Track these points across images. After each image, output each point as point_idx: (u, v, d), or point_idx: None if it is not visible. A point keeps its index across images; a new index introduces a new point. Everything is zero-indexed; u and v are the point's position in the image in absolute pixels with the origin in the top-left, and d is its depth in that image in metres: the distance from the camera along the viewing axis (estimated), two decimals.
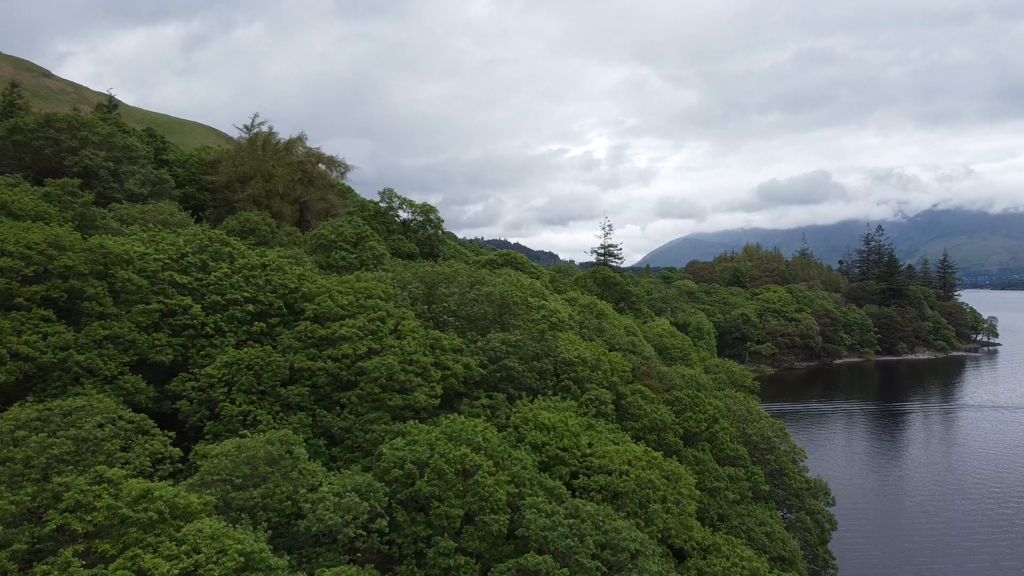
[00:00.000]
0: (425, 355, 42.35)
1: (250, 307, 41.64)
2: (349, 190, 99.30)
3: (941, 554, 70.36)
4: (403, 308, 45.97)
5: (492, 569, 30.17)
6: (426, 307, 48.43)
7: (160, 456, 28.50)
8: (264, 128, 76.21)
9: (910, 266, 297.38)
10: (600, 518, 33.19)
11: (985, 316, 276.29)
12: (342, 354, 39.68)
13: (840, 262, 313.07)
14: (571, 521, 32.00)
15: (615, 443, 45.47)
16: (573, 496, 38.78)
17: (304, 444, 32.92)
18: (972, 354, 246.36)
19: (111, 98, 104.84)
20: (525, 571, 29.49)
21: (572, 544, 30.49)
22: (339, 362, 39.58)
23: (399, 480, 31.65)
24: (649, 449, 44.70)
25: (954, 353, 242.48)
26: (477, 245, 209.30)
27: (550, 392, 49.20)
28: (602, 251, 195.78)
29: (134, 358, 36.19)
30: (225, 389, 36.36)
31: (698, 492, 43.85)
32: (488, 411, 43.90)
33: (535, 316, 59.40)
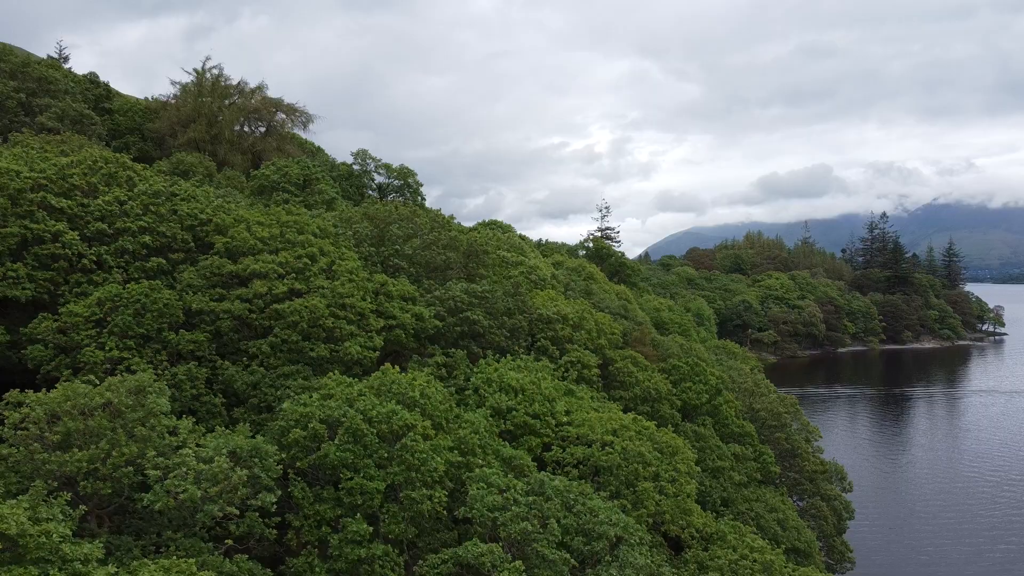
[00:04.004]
0: (364, 300, 34.40)
1: (146, 238, 33.61)
2: (319, 150, 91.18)
3: (956, 543, 63.06)
4: (344, 248, 38.01)
5: (420, 563, 22.30)
6: (374, 249, 40.43)
7: None
8: (215, 71, 67.98)
9: (914, 255, 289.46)
10: (572, 496, 25.33)
11: (991, 306, 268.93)
12: (254, 293, 31.71)
13: (843, 251, 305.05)
14: (531, 499, 24.11)
15: (599, 411, 37.61)
16: (542, 472, 30.92)
17: (175, 394, 25.01)
18: (978, 343, 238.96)
19: (60, 50, 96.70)
20: (464, 565, 21.62)
21: (530, 528, 22.60)
22: (250, 303, 31.61)
23: (300, 443, 23.75)
24: (640, 418, 36.85)
25: (960, 342, 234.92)
26: None
27: (522, 353, 41.29)
28: (599, 234, 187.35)
29: None
30: (94, 331, 28.40)
31: (698, 469, 36.06)
32: (444, 370, 35.98)
33: (512, 273, 51.47)
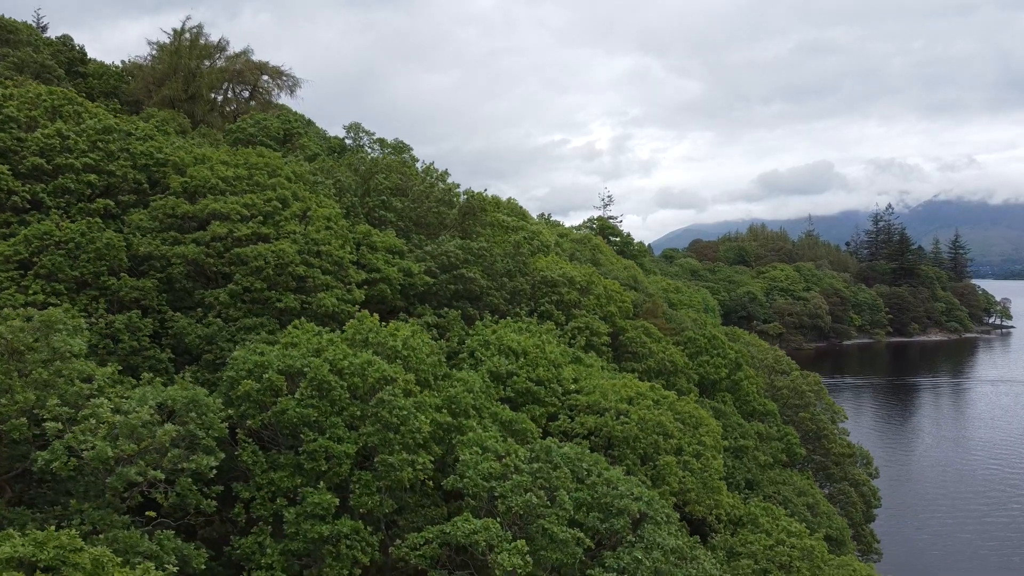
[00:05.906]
0: (343, 249, 30.01)
1: (91, 177, 29.21)
2: (309, 123, 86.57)
3: (980, 534, 59.11)
4: (322, 196, 33.59)
5: (398, 543, 17.90)
6: (357, 199, 36.01)
7: None
8: (194, 30, 63.41)
9: (920, 247, 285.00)
10: (584, 465, 20.97)
11: (998, 298, 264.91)
12: (212, 236, 27.31)
13: (847, 243, 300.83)
14: (536, 467, 19.73)
15: (610, 380, 33.22)
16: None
17: (110, 346, 20.61)
18: (986, 336, 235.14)
19: (39, 19, 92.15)
20: (453, 545, 17.24)
21: (535, 501, 18.23)
22: (207, 247, 27.22)
23: (252, 397, 19.35)
24: (657, 386, 32.52)
25: (967, 335, 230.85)
26: None
27: (524, 316, 36.89)
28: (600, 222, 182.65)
29: None
30: (17, 273, 24.04)
31: (725, 443, 31.72)
32: (435, 331, 31.59)
33: (512, 238, 47.04)
